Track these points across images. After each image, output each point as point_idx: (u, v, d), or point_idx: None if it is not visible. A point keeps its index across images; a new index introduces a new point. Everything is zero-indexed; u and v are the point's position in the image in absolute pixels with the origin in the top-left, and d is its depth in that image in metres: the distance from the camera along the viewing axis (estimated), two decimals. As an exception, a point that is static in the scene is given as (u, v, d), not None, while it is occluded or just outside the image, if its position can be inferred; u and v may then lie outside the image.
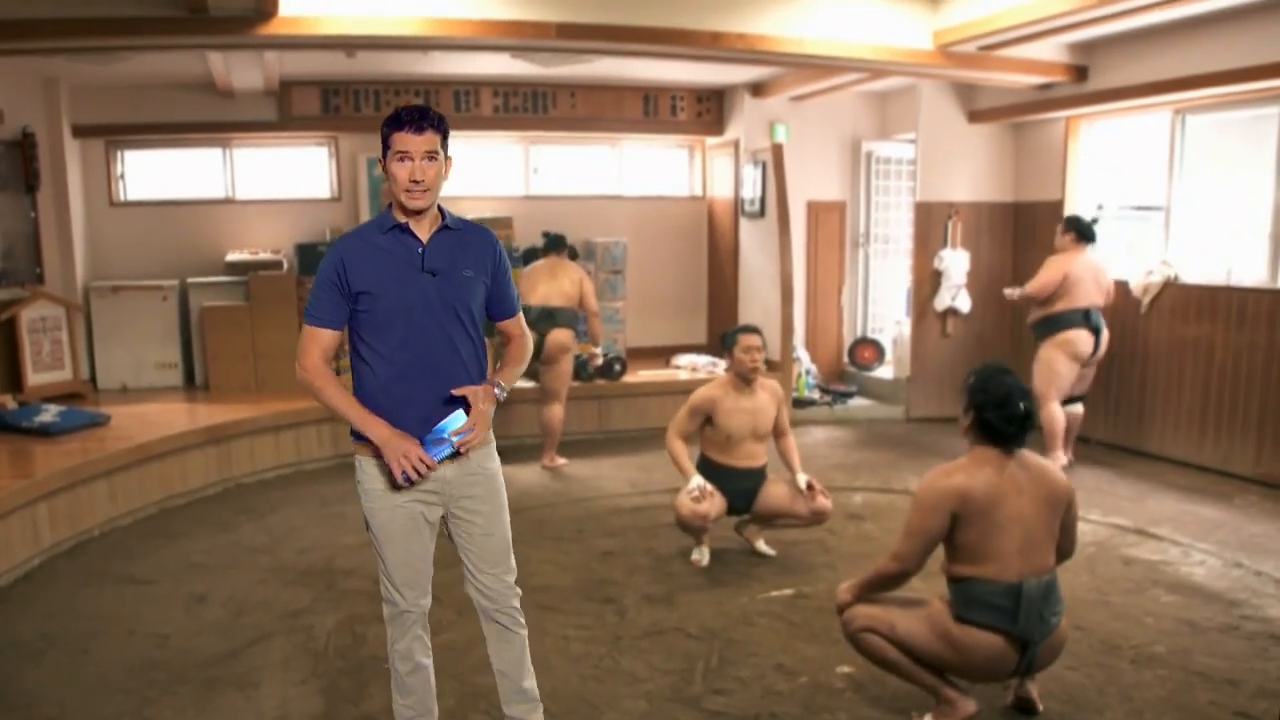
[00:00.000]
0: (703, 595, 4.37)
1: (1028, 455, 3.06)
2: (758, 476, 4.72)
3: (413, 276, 2.61)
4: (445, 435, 2.61)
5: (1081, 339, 6.18)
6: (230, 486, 6.22)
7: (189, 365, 7.74)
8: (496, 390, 2.70)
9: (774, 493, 4.70)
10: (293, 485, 6.28)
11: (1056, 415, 6.22)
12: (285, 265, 7.90)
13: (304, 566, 4.79)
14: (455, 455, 2.64)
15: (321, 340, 2.64)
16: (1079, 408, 6.53)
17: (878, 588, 3.15)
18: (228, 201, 8.26)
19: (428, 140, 2.54)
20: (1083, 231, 6.28)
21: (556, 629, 3.98)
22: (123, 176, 8.08)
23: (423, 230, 2.65)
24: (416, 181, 2.55)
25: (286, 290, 7.54)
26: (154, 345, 7.62)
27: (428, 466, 2.58)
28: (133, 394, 7.33)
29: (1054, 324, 6.23)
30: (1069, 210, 7.31)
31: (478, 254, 2.71)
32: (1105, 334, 6.27)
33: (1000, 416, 2.97)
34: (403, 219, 2.64)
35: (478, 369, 2.72)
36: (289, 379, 7.39)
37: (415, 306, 2.61)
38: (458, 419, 2.62)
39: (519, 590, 2.86)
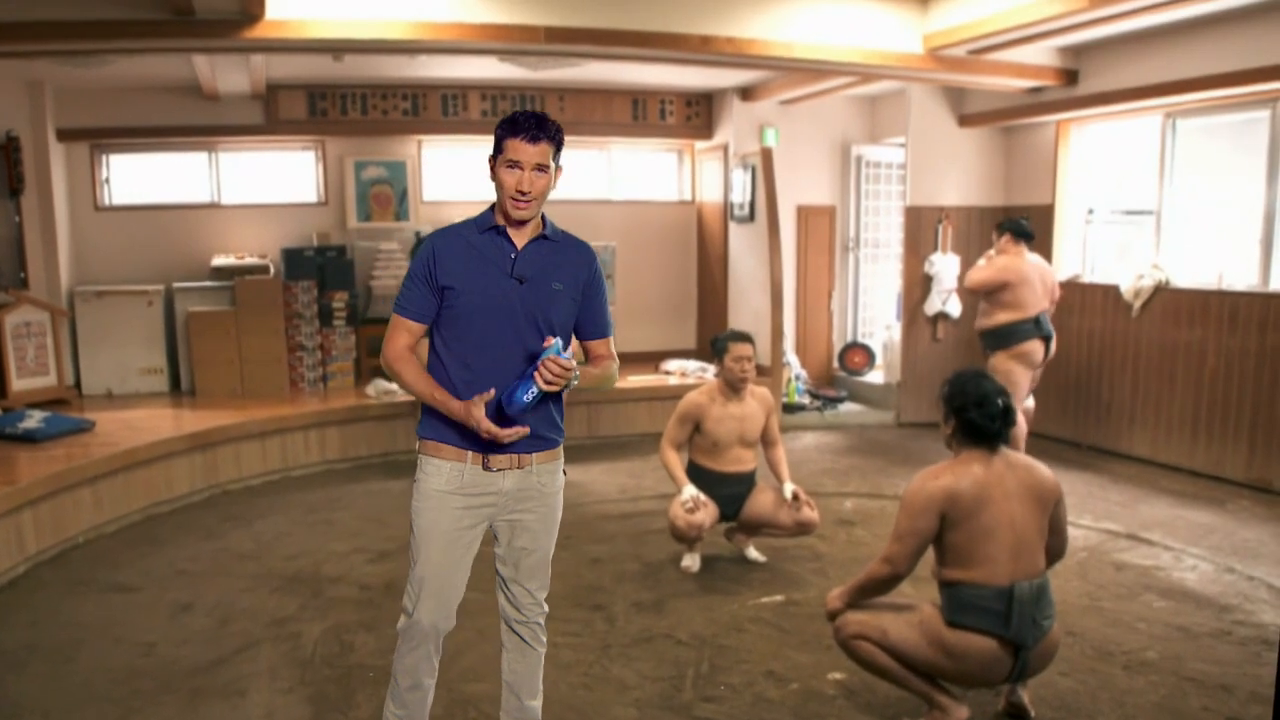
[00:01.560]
0: (693, 602, 4.34)
1: (1013, 454, 3.08)
2: (746, 482, 4.70)
3: (499, 279, 2.57)
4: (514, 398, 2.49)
5: (1036, 349, 6.13)
6: (216, 493, 6.16)
7: (174, 371, 7.70)
8: (567, 356, 2.47)
9: (760, 501, 4.68)
10: (279, 492, 6.24)
11: (1020, 422, 6.19)
12: (271, 270, 7.86)
13: (291, 574, 4.75)
14: (531, 403, 2.49)
15: (408, 328, 2.61)
16: (1029, 402, 6.51)
17: (868, 592, 3.13)
18: (213, 206, 8.22)
19: (540, 152, 2.49)
20: (1017, 230, 6.17)
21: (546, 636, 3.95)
22: (108, 180, 8.03)
23: (520, 236, 2.60)
24: (523, 193, 2.50)
25: (273, 295, 7.52)
26: (139, 350, 7.57)
27: (501, 432, 2.47)
28: (118, 400, 7.28)
29: (1007, 337, 6.14)
30: (1060, 214, 7.31)
31: (572, 268, 2.65)
32: (1054, 338, 6.23)
33: (982, 415, 3.01)
34: (502, 221, 2.60)
35: None
36: (275, 384, 7.53)
37: (496, 309, 2.56)
38: (526, 386, 2.47)
39: (546, 608, 2.81)
